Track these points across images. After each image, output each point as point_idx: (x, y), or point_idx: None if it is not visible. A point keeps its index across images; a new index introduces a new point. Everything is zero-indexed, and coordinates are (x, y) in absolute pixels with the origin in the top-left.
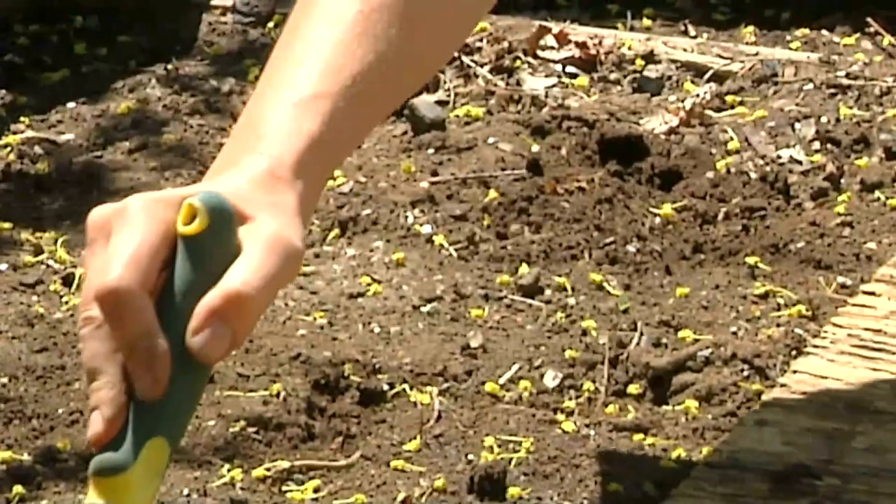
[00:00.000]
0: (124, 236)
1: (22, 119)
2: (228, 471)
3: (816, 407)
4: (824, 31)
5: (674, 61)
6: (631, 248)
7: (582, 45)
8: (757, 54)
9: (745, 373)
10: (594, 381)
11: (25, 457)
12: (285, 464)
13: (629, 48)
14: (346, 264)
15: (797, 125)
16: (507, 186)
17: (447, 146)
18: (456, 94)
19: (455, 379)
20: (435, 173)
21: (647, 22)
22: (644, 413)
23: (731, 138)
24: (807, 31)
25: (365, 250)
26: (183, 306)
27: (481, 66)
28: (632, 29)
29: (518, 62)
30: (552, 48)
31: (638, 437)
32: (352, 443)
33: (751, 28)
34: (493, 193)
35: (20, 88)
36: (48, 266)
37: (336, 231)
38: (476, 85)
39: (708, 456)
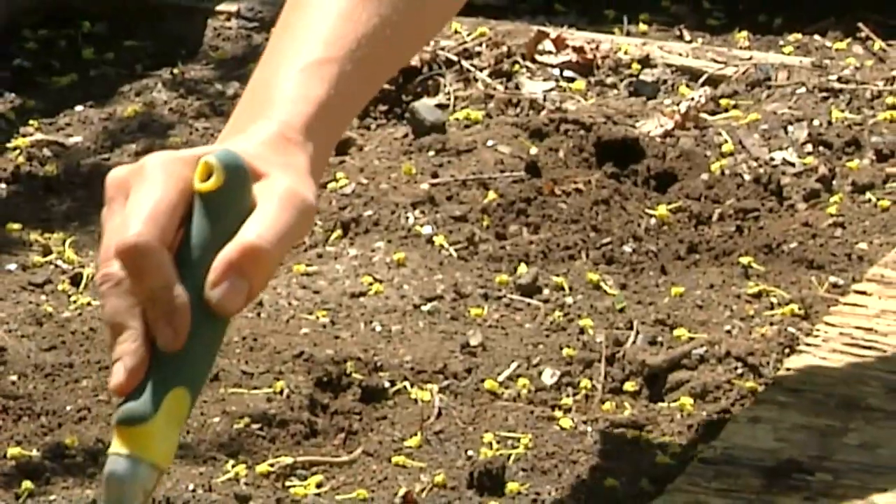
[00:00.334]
0: (143, 194)
1: (31, 122)
2: (233, 466)
3: (809, 404)
4: (816, 36)
5: (669, 65)
6: (627, 249)
7: (579, 50)
8: (750, 59)
9: (739, 370)
10: (591, 379)
11: (34, 453)
12: (288, 459)
13: (625, 53)
14: (349, 264)
15: (790, 128)
16: (506, 188)
17: (447, 149)
18: (456, 98)
19: (455, 376)
20: (435, 175)
21: (642, 27)
22: (640, 410)
23: (726, 141)
24: (799, 36)
25: (367, 250)
26: (201, 261)
27: (481, 70)
28: (628, 34)
29: (517, 66)
30: (550, 53)
31: (634, 433)
32: (353, 439)
33: (744, 33)
34: (492, 195)
35: (29, 92)
36: (56, 266)
37: (338, 232)
38: (476, 89)
39: (702, 452)
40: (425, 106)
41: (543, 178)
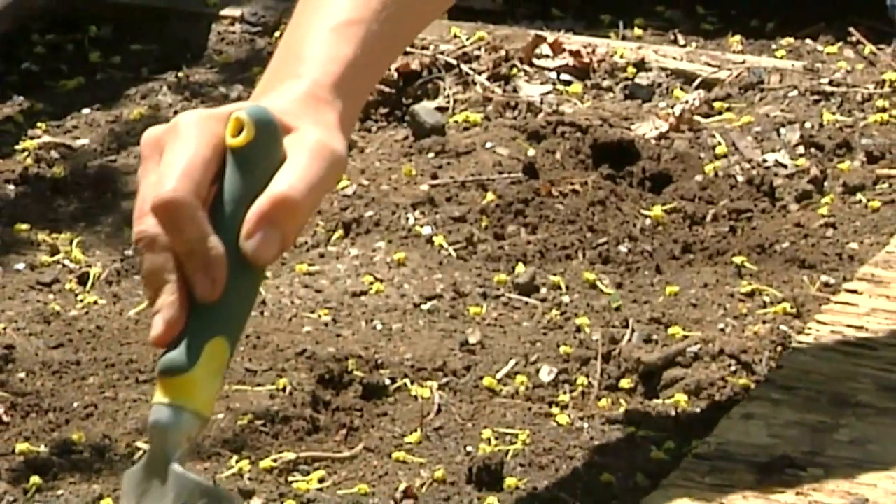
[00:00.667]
0: (177, 151)
1: (39, 125)
2: (237, 462)
3: (801, 401)
4: (808, 41)
5: (664, 69)
6: (623, 249)
7: (576, 54)
8: (744, 62)
9: (733, 368)
10: (587, 376)
11: (42, 449)
12: (291, 455)
13: (621, 56)
14: (350, 264)
15: (782, 130)
16: (504, 189)
17: (447, 150)
18: (455, 101)
19: (454, 374)
20: (435, 176)
21: (638, 31)
22: (635, 406)
23: (719, 143)
24: (791, 40)
25: (367, 250)
26: (235, 214)
27: (479, 73)
28: (624, 38)
29: (515, 70)
30: (547, 57)
31: (630, 429)
32: (355, 435)
33: (738, 37)
34: (490, 196)
35: (37, 95)
36: (64, 266)
37: (340, 232)
38: (474, 92)
39: (697, 448)
40: (425, 109)
41: (541, 179)
